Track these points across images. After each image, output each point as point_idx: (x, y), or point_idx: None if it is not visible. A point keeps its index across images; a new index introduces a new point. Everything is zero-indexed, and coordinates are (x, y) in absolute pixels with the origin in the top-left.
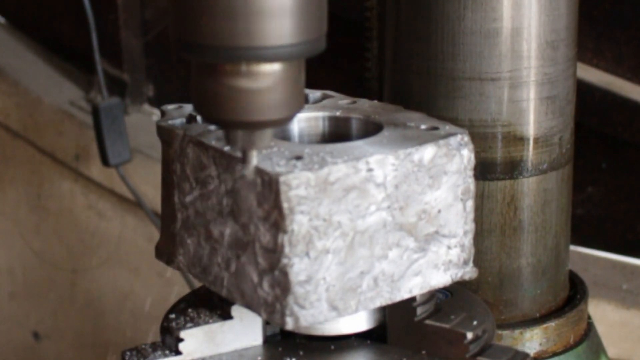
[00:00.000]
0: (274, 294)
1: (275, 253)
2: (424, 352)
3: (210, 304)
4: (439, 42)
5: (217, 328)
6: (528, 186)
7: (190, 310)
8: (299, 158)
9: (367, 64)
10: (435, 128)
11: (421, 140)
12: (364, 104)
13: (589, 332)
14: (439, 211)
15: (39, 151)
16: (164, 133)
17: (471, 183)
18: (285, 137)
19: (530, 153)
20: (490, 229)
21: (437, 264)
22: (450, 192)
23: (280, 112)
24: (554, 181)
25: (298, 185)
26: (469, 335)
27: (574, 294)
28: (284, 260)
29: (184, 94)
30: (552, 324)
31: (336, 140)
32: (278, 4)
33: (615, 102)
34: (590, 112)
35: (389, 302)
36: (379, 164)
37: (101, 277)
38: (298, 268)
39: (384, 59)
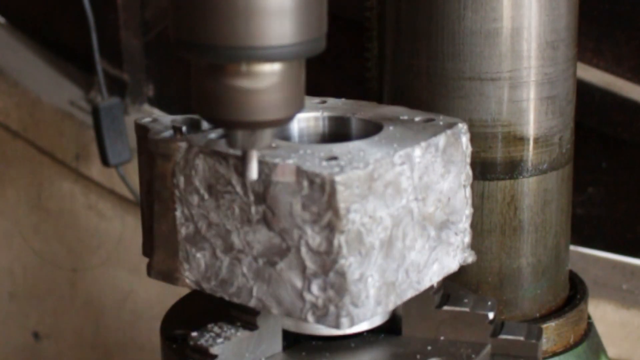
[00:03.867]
0: (325, 297)
1: (329, 255)
2: (442, 338)
3: (213, 313)
4: (439, 42)
5: (245, 339)
6: (528, 186)
7: (210, 325)
8: (334, 159)
9: (367, 64)
10: (431, 119)
11: (431, 131)
12: (337, 102)
13: (589, 332)
14: (449, 199)
15: (39, 151)
16: (162, 146)
17: (469, 169)
18: (284, 137)
19: (530, 153)
20: (490, 229)
21: (448, 250)
22: (456, 179)
23: (281, 112)
24: (554, 181)
25: (352, 184)
26: (490, 316)
27: (574, 294)
28: (342, 261)
29: (184, 94)
30: (552, 324)
31: (336, 140)
32: (278, 4)
33: (615, 102)
34: (590, 112)
35: (416, 292)
36: (408, 157)
37: (101, 277)
38: (354, 267)
39: (384, 59)
